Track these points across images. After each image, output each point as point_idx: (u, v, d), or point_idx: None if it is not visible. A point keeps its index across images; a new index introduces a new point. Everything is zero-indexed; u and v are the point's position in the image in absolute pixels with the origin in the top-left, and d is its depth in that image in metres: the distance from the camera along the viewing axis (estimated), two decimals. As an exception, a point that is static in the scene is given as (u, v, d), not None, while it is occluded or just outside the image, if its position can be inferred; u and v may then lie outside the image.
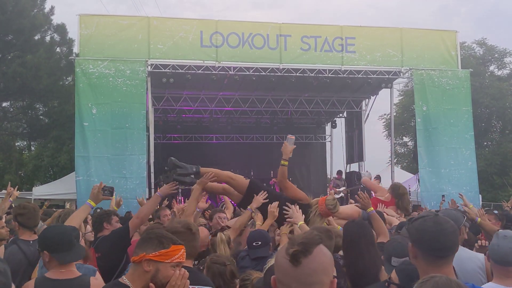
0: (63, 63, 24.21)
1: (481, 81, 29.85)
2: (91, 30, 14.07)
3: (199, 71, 14.66)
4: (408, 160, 34.49)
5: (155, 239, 2.54)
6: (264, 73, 15.07)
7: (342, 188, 17.02)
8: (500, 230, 3.62)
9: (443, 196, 13.50)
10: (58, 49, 25.12)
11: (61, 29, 24.68)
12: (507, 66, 33.45)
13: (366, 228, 4.10)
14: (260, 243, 4.60)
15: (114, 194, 9.81)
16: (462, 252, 3.52)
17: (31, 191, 19.52)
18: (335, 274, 1.74)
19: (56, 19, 25.06)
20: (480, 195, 15.69)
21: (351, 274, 3.72)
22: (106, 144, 13.49)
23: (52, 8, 24.70)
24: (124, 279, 2.52)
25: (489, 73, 32.84)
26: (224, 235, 4.67)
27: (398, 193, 7.51)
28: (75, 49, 21.19)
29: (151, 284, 2.48)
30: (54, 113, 25.25)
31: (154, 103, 16.17)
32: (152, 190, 14.35)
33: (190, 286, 2.53)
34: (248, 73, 14.98)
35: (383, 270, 3.75)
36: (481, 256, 3.84)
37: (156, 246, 2.50)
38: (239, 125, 20.59)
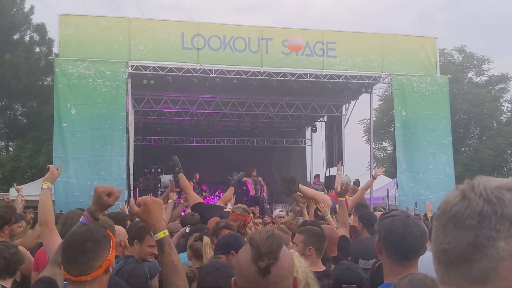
0: (42, 63, 23.99)
1: (460, 88, 30.26)
2: (71, 30, 13.93)
3: (180, 73, 14.62)
4: (387, 164, 34.79)
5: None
6: (245, 76, 15.08)
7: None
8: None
9: (416, 203, 13.59)
10: (37, 49, 24.90)
11: (40, 29, 24.47)
12: (485, 73, 33.98)
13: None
14: None
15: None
16: (430, 254, 3.48)
17: (8, 192, 19.22)
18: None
19: (35, 19, 24.87)
20: (457, 200, 15.85)
21: None
22: (85, 146, 13.36)
23: (32, 7, 24.51)
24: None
25: (467, 80, 33.30)
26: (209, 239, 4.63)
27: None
28: (55, 49, 21.00)
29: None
30: (32, 113, 24.96)
31: (134, 104, 16.08)
32: (131, 192, 14.26)
33: None
34: (229, 76, 14.98)
35: None
36: None
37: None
38: (220, 128, 20.57)
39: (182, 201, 7.59)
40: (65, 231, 3.87)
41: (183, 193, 7.65)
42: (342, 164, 18.74)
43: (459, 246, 1.01)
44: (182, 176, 7.40)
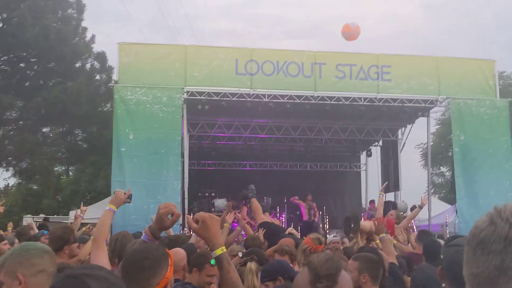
0: (102, 90, 24.77)
1: (521, 111, 29.17)
2: (130, 58, 14.41)
3: (234, 98, 14.79)
4: (446, 190, 33.82)
5: None
6: (298, 101, 15.10)
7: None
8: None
9: None
10: (97, 76, 25.77)
11: (101, 57, 25.35)
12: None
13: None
14: None
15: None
16: None
17: (68, 215, 19.85)
18: None
19: (96, 47, 25.80)
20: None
21: None
22: (142, 169, 13.65)
23: (93, 36, 25.48)
24: None
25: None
26: (254, 266, 4.52)
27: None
28: (114, 76, 21.75)
29: None
30: (92, 138, 25.73)
31: (189, 129, 16.36)
32: (185, 216, 14.41)
33: None
34: (282, 100, 15.04)
35: None
36: None
37: None
38: (273, 152, 20.59)
39: (238, 227, 7.66)
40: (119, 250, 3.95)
41: (235, 219, 7.87)
42: (394, 189, 18.39)
43: (487, 270, 1.04)
44: (254, 200, 7.92)
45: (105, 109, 25.60)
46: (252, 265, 4.49)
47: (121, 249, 4.35)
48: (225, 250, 2.31)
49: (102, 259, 3.71)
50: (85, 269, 1.54)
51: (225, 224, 6.94)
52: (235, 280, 2.27)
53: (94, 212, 17.49)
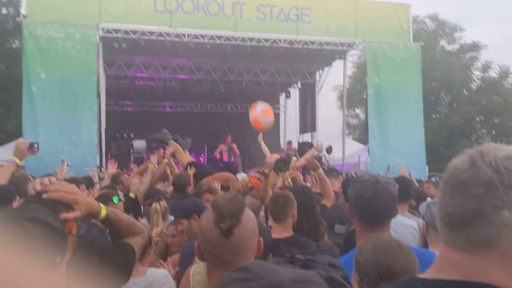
0: (10, 25, 23.28)
1: (432, 55, 30.50)
2: (39, -9, 13.50)
3: (153, 37, 14.35)
4: (360, 131, 35.22)
5: None
6: (219, 41, 14.89)
7: (293, 159, 17.15)
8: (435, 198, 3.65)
9: (388, 167, 13.73)
10: (4, 10, 24.10)
11: (7, -11, 23.64)
12: (457, 41, 34.29)
13: (307, 195, 4.12)
14: None
15: (65, 163, 9.65)
16: (397, 218, 3.13)
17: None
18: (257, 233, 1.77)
19: (2, -21, 23.96)
20: (426, 166, 16.16)
21: None
22: (55, 110, 13.09)
23: (-2, -34, 23.61)
24: None
25: (439, 48, 33.58)
26: (160, 206, 4.59)
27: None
28: (23, 11, 20.39)
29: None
30: (0, 76, 24.37)
31: (106, 69, 15.78)
32: (103, 158, 14.13)
33: None
34: (202, 40, 14.77)
35: (325, 236, 3.89)
36: (414, 223, 3.76)
37: None
38: (193, 93, 20.38)
39: (164, 160, 7.47)
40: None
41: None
42: (310, 129, 18.92)
43: (464, 211, 1.06)
44: (173, 141, 7.93)
45: (14, 45, 24.13)
46: (157, 205, 4.54)
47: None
48: (104, 206, 2.08)
49: None
50: (24, 211, 1.44)
51: (149, 165, 6.82)
52: (127, 221, 2.16)
53: (6, 154, 16.72)
